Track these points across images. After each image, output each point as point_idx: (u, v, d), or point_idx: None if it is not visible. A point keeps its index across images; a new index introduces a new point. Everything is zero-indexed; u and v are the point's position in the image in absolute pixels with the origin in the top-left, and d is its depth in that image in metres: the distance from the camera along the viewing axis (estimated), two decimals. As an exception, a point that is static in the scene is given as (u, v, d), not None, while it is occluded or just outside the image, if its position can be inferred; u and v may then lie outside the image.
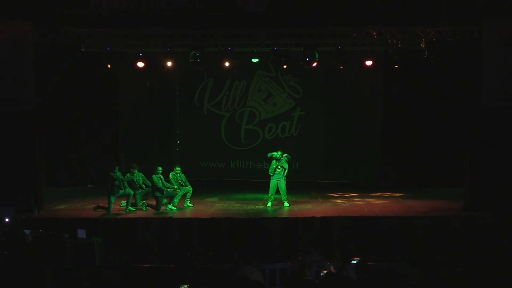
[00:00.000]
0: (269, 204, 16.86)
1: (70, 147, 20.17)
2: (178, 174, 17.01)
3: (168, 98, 20.17)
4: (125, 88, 20.14)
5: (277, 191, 16.90)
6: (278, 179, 16.80)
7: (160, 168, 16.64)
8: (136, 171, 16.73)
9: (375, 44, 16.96)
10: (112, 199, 16.24)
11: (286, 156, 16.90)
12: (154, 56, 17.61)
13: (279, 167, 16.78)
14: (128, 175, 16.63)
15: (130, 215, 16.05)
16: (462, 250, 14.22)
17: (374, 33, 16.42)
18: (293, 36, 16.67)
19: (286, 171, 16.85)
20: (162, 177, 16.60)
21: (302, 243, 14.93)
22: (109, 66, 17.14)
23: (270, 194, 16.91)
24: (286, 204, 16.83)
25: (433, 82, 18.64)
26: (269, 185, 16.90)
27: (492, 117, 16.08)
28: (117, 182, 16.24)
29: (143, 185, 16.72)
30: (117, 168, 16.50)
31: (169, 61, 17.20)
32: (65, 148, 20.12)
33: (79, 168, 20.30)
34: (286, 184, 16.90)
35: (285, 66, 17.65)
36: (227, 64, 17.33)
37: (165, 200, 16.59)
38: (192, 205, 17.05)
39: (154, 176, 16.45)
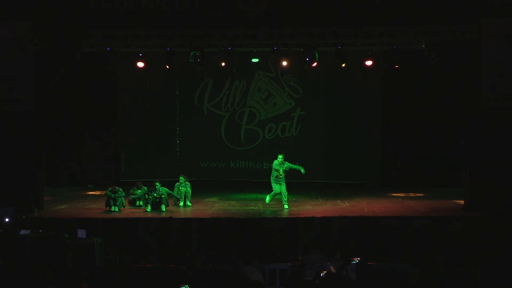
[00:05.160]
0: (267, 200, 16.73)
1: (70, 147, 20.18)
2: (183, 184, 17.10)
3: (168, 98, 20.18)
4: (125, 88, 20.15)
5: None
6: (280, 182, 16.73)
7: (157, 183, 16.66)
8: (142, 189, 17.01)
9: (375, 44, 16.96)
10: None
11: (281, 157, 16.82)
12: (154, 56, 17.61)
13: (281, 172, 16.68)
14: (136, 191, 17.02)
15: (130, 215, 16.04)
16: (462, 250, 14.24)
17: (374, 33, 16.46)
18: (293, 36, 16.67)
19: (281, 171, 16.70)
20: (162, 190, 16.66)
21: (302, 243, 14.94)
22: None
23: (273, 193, 16.76)
24: (286, 207, 16.72)
25: (432, 82, 18.63)
26: (271, 186, 16.81)
27: (492, 117, 16.08)
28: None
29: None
30: (120, 189, 16.61)
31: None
32: (65, 148, 20.13)
33: (79, 168, 20.31)
34: (286, 185, 16.87)
35: (285, 63, 17.68)
36: (223, 64, 17.43)
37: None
38: (190, 204, 17.10)
39: (154, 193, 16.59)
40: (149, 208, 16.42)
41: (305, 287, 10.60)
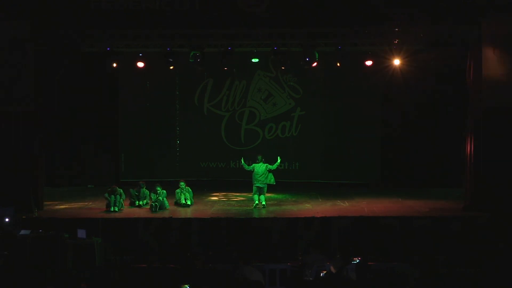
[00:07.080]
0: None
1: (70, 147, 20.18)
2: (184, 189, 17.09)
3: (168, 98, 20.18)
4: (125, 88, 20.15)
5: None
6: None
7: (158, 187, 16.70)
8: (143, 188, 17.01)
9: (375, 44, 16.96)
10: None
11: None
12: (154, 56, 17.62)
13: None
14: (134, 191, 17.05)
15: (130, 215, 16.06)
16: (462, 250, 14.24)
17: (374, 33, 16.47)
18: (293, 36, 16.67)
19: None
20: (163, 192, 16.68)
21: (302, 243, 14.95)
22: (114, 65, 17.18)
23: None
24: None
25: (433, 82, 18.64)
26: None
27: (492, 117, 16.08)
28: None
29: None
30: (120, 190, 16.65)
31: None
32: (64, 148, 20.13)
33: (79, 168, 20.32)
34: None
35: (283, 68, 17.73)
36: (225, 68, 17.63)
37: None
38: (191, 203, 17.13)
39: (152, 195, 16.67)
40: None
41: (305, 287, 10.60)
